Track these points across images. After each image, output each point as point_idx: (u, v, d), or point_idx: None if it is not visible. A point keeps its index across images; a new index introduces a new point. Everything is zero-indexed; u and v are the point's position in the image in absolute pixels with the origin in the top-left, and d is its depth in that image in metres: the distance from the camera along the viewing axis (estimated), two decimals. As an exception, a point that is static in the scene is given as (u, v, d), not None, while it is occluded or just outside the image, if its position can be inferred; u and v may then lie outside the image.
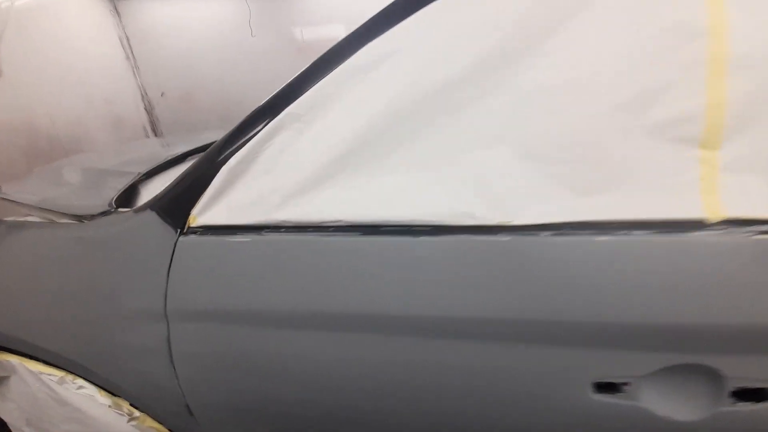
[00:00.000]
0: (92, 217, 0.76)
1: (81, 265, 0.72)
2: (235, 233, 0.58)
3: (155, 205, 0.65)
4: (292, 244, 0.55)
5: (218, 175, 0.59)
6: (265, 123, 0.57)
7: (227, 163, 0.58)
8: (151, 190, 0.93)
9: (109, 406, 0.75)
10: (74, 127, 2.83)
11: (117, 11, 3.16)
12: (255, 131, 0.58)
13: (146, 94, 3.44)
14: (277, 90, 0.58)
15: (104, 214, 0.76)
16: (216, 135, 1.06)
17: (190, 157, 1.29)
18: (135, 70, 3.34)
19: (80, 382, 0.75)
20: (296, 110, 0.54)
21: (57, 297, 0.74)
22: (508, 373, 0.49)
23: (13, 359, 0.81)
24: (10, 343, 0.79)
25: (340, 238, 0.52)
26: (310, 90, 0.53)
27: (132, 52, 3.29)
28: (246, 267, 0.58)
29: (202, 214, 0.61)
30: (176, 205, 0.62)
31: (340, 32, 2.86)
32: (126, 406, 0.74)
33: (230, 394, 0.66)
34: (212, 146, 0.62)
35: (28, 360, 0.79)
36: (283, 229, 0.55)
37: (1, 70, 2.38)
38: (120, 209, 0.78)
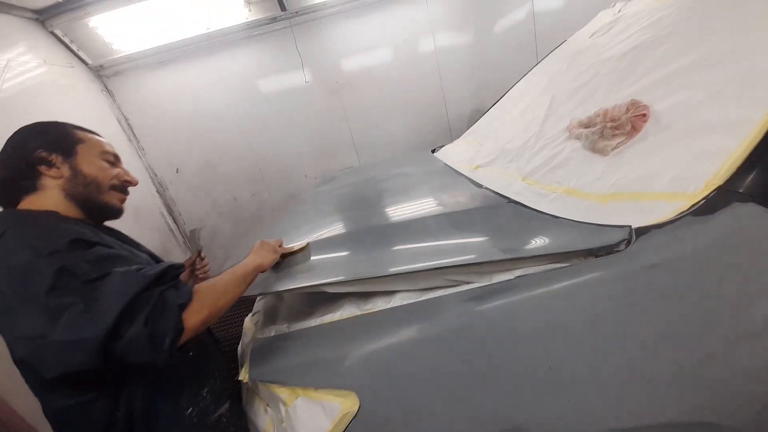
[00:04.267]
0: (613, 248, 0.69)
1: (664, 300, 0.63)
2: None
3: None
4: None
5: None
6: None
7: None
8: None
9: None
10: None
11: (108, 90, 2.72)
12: None
13: (155, 175, 2.97)
14: None
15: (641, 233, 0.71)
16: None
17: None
18: (140, 151, 2.87)
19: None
20: None
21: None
22: None
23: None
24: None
25: None
26: None
27: (133, 132, 2.84)
28: None
29: None
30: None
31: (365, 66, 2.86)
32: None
33: None
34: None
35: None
36: None
37: None
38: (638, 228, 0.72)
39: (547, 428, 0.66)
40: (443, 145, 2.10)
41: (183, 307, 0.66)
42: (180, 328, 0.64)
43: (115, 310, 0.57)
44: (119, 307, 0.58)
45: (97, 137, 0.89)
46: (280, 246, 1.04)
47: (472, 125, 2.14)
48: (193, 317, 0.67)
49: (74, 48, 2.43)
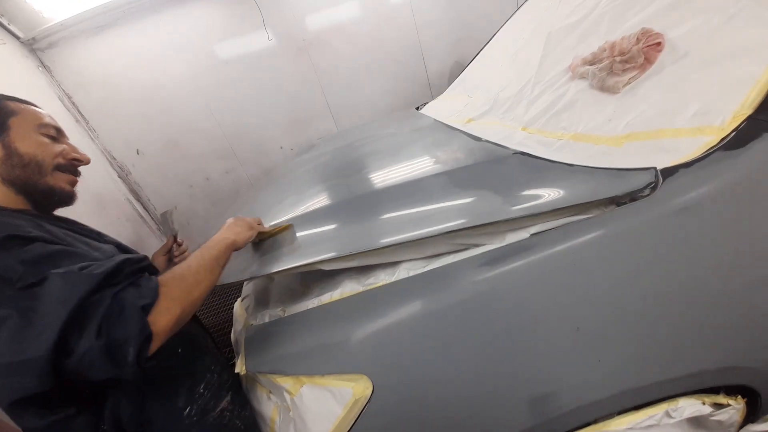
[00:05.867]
0: (637, 193, 0.64)
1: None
2: None
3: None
4: None
5: None
6: None
7: None
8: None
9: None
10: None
11: (44, 65, 2.38)
12: None
13: (114, 158, 2.71)
14: None
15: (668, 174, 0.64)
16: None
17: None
18: (91, 133, 2.59)
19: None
20: None
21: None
22: None
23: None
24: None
25: None
26: None
27: (80, 112, 2.54)
28: None
29: None
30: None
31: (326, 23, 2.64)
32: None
33: None
34: None
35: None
36: None
37: None
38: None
39: (577, 392, 0.62)
40: (427, 102, 1.96)
41: (147, 308, 0.54)
42: (147, 334, 0.53)
43: (57, 322, 0.46)
44: (62, 318, 0.47)
45: (33, 108, 0.77)
46: (258, 224, 0.92)
47: (456, 79, 2.00)
48: (164, 318, 0.56)
49: (5, 22, 2.09)
